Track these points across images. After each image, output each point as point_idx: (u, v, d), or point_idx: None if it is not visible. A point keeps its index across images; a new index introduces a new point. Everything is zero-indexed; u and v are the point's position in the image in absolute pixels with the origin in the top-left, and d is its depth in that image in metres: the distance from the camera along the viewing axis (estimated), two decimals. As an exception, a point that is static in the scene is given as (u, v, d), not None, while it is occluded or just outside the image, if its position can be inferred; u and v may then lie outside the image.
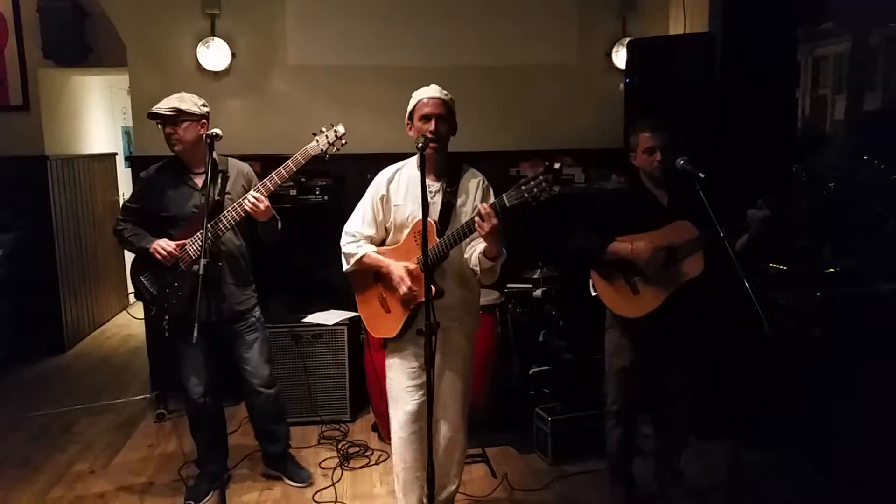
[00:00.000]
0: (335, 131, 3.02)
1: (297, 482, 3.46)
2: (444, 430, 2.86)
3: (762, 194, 2.72)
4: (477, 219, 2.41)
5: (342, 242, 2.81)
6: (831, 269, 3.41)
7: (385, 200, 2.76)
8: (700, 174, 2.65)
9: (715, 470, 3.33)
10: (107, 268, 6.71)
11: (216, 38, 4.39)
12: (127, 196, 6.56)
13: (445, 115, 2.67)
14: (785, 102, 3.99)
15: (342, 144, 3.04)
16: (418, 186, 2.59)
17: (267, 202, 3.01)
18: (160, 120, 3.06)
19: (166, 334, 3.11)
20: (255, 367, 3.32)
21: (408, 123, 2.74)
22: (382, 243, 2.81)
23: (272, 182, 3.03)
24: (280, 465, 3.53)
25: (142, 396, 4.68)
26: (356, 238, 2.78)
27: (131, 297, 7.20)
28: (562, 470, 3.57)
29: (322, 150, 3.01)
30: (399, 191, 2.75)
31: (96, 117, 6.67)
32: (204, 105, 3.14)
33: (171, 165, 3.20)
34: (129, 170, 5.29)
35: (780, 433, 3.48)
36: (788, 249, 3.65)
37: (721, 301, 2.96)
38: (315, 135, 3.03)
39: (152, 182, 3.19)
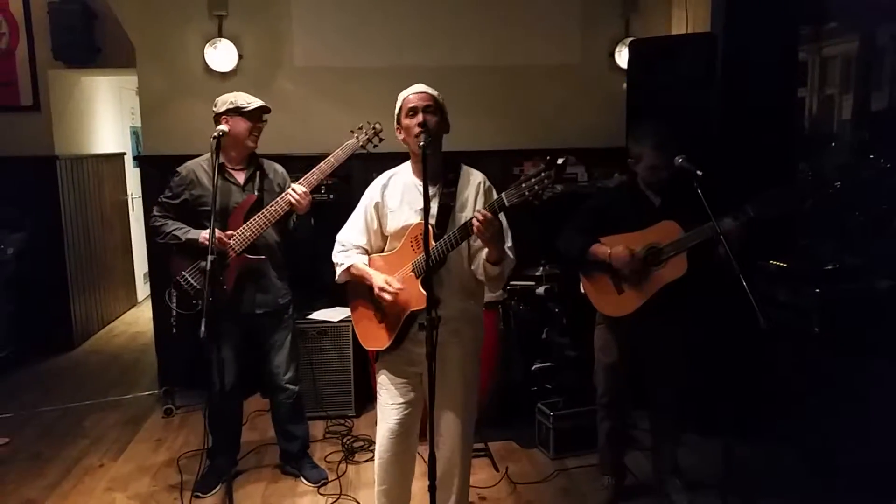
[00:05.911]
0: (374, 128, 3.14)
1: (310, 481, 3.48)
2: (441, 454, 2.62)
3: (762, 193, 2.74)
4: (475, 222, 2.26)
5: (333, 252, 2.69)
6: (830, 266, 3.42)
7: (380, 207, 2.62)
8: (698, 172, 2.67)
9: (712, 465, 3.36)
10: (115, 266, 6.78)
11: (223, 39, 4.44)
12: (136, 194, 6.68)
13: (434, 107, 2.51)
14: (786, 101, 4.01)
15: (380, 140, 3.15)
16: (413, 191, 2.55)
17: (309, 197, 3.11)
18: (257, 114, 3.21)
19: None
20: (282, 363, 3.39)
21: (397, 127, 2.59)
22: (381, 252, 2.68)
23: (314, 177, 3.14)
24: (295, 463, 3.55)
25: (150, 392, 4.74)
26: (346, 248, 2.65)
27: (140, 295, 7.30)
28: (563, 464, 3.61)
29: (361, 145, 3.13)
30: (394, 196, 2.60)
31: (105, 117, 6.74)
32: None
33: (211, 161, 3.24)
34: (138, 169, 5.34)
35: (779, 430, 3.51)
36: (788, 246, 3.67)
37: (717, 297, 2.99)
38: (353, 132, 3.15)
39: (194, 176, 3.22)
